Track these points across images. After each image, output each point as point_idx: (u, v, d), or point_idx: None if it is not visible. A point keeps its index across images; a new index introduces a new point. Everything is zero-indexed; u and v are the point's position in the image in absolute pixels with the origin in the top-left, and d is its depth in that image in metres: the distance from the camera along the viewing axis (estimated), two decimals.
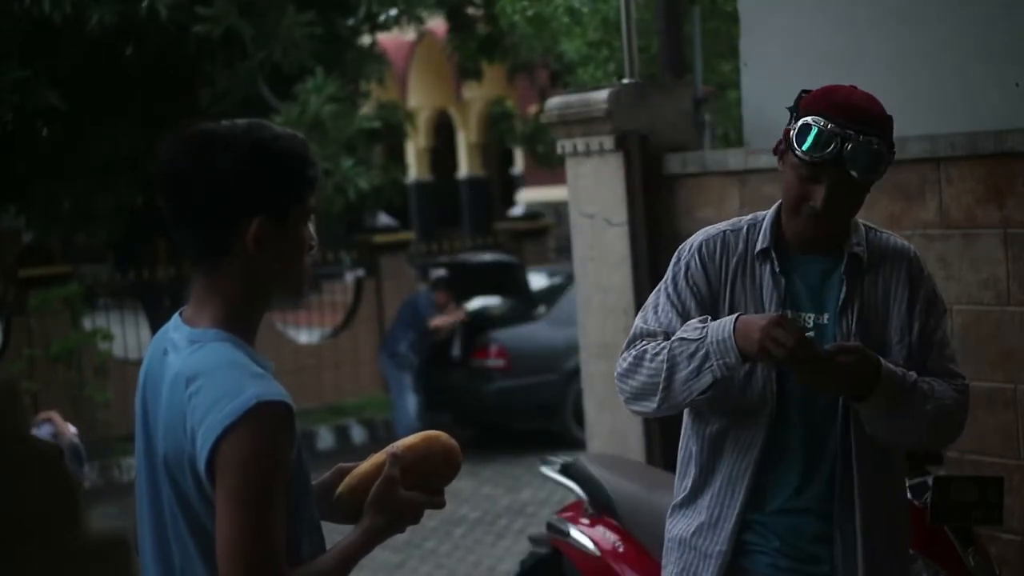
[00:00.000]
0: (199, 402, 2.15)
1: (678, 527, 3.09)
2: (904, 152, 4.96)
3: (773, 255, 2.96)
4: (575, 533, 4.64)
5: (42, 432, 2.91)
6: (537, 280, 12.66)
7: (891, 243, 3.03)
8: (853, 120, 2.86)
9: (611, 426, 5.90)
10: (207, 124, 2.28)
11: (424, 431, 2.45)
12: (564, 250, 11.34)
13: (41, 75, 10.48)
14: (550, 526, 4.83)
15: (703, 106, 6.74)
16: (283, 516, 2.14)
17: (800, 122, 2.88)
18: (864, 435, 2.92)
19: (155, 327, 12.14)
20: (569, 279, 10.16)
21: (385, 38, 13.93)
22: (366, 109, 13.92)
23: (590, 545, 4.57)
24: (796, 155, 2.87)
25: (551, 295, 12.09)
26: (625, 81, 6.10)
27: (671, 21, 6.42)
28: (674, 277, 3.02)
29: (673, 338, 2.90)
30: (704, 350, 2.82)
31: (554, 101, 6.25)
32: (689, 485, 3.07)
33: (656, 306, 3.02)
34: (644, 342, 2.97)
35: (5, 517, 1.05)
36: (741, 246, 2.99)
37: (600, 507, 4.60)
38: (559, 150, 6.24)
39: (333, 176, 10.84)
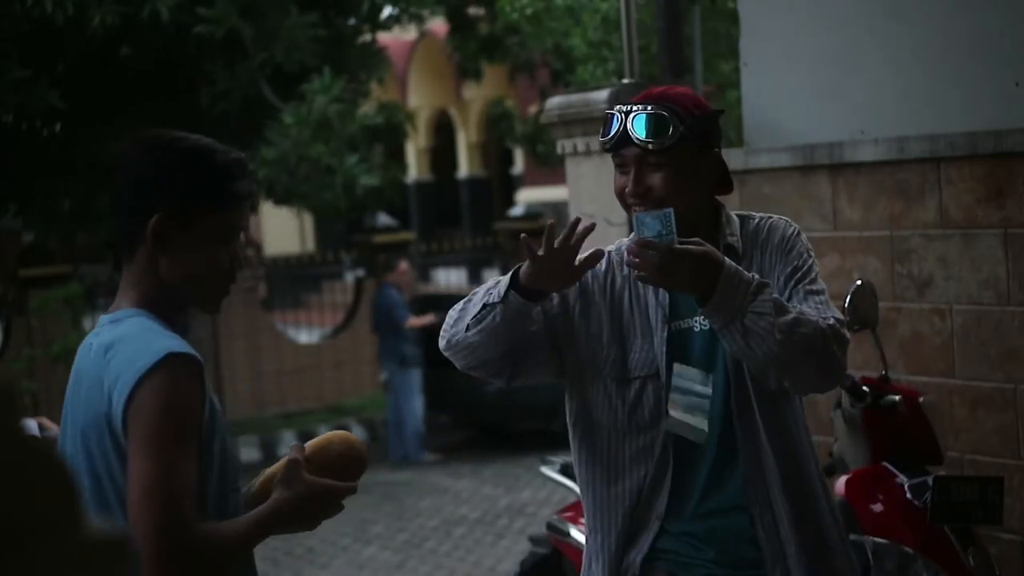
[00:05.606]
0: (115, 363, 2.26)
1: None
2: (904, 152, 4.97)
3: None
4: (575, 533, 4.63)
5: (31, 428, 2.92)
6: None
7: (764, 224, 2.93)
8: (637, 100, 2.86)
9: None
10: (155, 131, 2.45)
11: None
12: None
13: (41, 75, 10.47)
14: (550, 526, 4.83)
15: None
16: (192, 464, 2.21)
17: None
18: (759, 417, 2.82)
19: None
20: None
21: (385, 38, 13.91)
22: (366, 108, 13.91)
23: None
24: (606, 150, 2.91)
25: None
26: (625, 81, 6.10)
27: (671, 21, 6.41)
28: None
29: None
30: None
31: (554, 101, 6.26)
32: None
33: None
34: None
35: (4, 517, 1.05)
36: (624, 266, 2.93)
37: None
38: (559, 150, 6.24)
39: (338, 174, 10.83)
